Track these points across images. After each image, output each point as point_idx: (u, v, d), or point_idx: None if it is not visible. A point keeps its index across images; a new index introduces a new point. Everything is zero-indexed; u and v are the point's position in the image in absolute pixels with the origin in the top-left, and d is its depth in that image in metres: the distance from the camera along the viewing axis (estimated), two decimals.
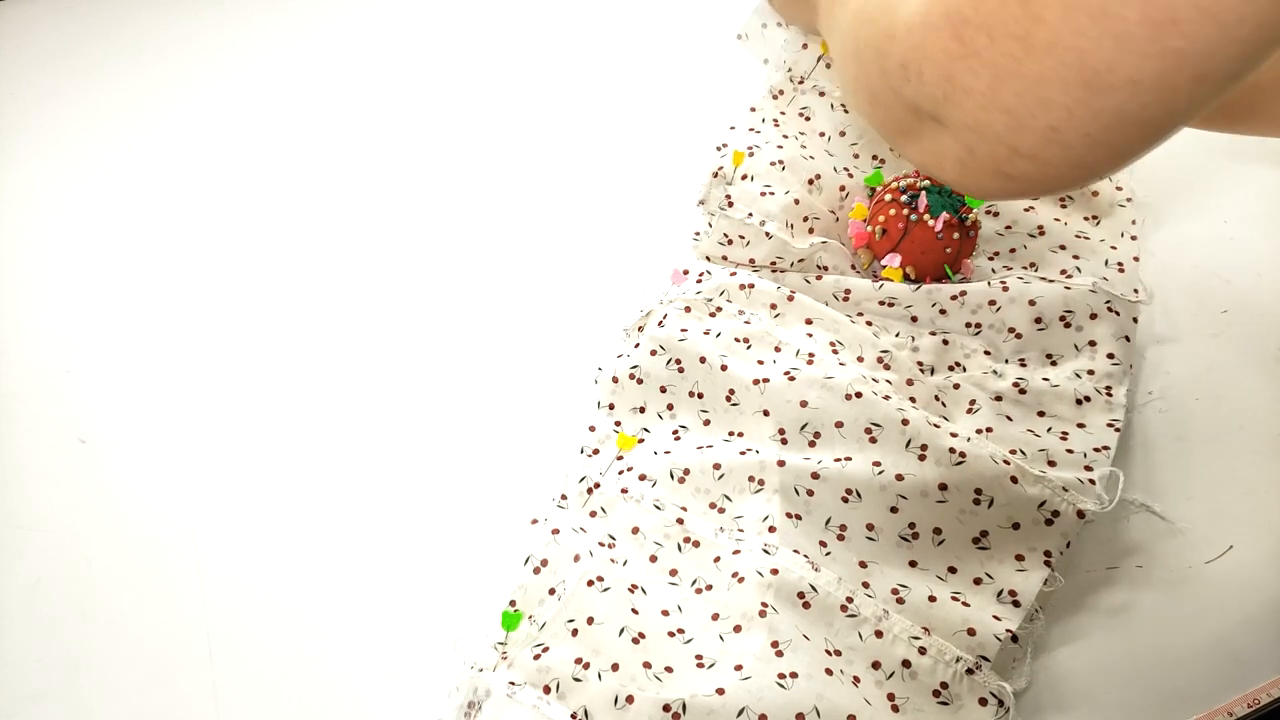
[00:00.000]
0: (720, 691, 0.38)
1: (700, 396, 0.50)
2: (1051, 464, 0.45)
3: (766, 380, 0.48)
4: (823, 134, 0.59)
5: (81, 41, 0.76)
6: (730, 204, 0.56)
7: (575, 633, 0.41)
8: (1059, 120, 0.28)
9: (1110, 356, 0.50)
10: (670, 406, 0.50)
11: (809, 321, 0.52)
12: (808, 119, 0.60)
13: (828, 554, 0.44)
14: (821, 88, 0.60)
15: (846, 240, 0.56)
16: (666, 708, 0.38)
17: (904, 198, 0.53)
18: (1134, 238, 0.55)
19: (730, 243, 0.56)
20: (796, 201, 0.55)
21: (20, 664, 0.46)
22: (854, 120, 0.60)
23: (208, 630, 0.47)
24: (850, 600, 0.41)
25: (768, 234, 0.54)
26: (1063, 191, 0.33)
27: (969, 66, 0.29)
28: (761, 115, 0.60)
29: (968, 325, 0.52)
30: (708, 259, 0.56)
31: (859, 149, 0.59)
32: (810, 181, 0.56)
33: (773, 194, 0.55)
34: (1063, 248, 0.54)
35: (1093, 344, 0.50)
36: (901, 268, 0.53)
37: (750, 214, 0.55)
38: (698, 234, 0.57)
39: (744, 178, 0.57)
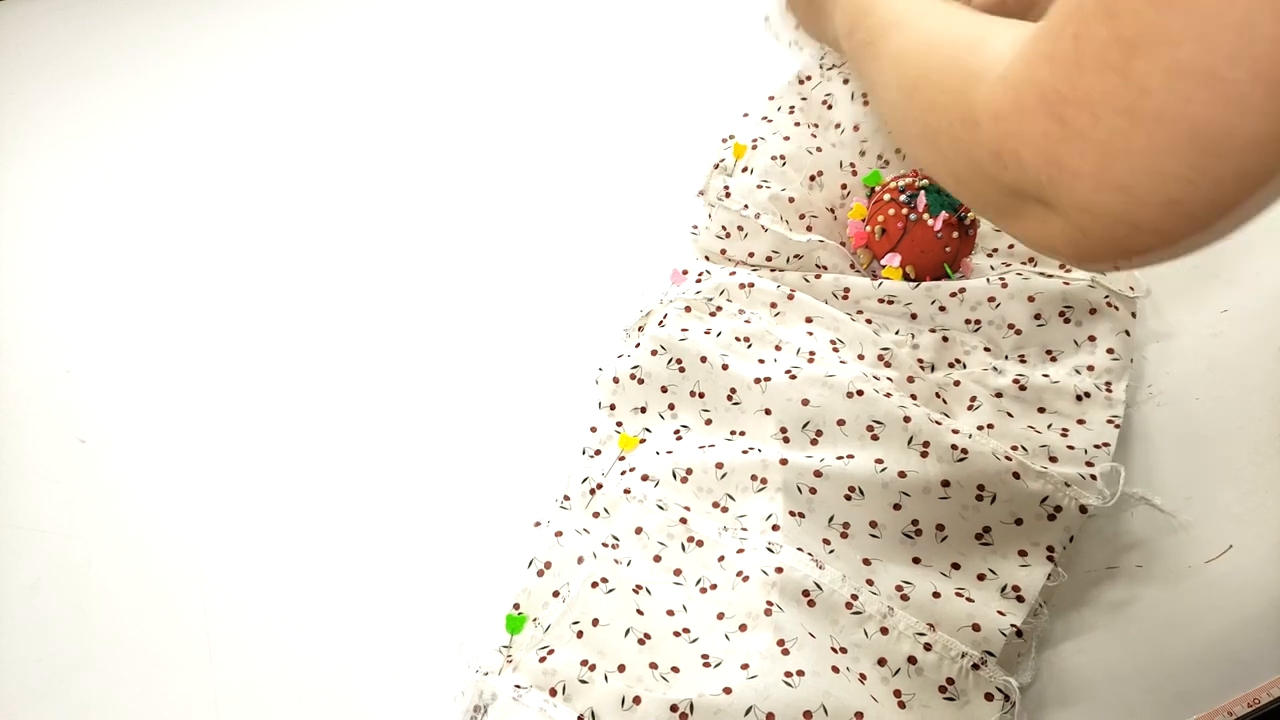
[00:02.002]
0: (727, 691, 0.38)
1: (701, 396, 0.50)
2: (1053, 460, 0.46)
3: (768, 379, 0.48)
4: (838, 125, 0.59)
5: (81, 41, 0.76)
6: (728, 194, 0.56)
7: (580, 634, 0.41)
8: (1180, 192, 0.27)
9: (1110, 352, 0.50)
10: (672, 406, 0.50)
11: (809, 320, 0.52)
12: (830, 107, 0.59)
13: (831, 552, 0.44)
14: (846, 74, 0.59)
15: (845, 239, 0.56)
16: (674, 708, 0.38)
17: (903, 197, 0.53)
18: None
19: (728, 235, 0.56)
20: (791, 200, 0.55)
21: (20, 664, 0.46)
22: (870, 117, 0.59)
23: (208, 630, 0.46)
24: (855, 597, 0.42)
25: (763, 227, 0.55)
26: (1188, 255, 0.31)
27: (1074, 148, 0.28)
28: (779, 103, 0.59)
29: (967, 322, 0.52)
30: (707, 258, 0.56)
31: (867, 146, 0.59)
32: (811, 178, 0.57)
33: (769, 188, 0.55)
34: None
35: (1092, 339, 0.50)
36: (901, 267, 0.53)
37: (746, 206, 0.55)
38: (696, 227, 0.57)
39: (744, 170, 0.57)
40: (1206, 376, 0.50)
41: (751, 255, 0.55)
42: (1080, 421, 0.47)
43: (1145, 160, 0.27)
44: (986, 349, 0.51)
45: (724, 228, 0.56)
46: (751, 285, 0.53)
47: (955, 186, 0.36)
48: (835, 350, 0.50)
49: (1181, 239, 0.29)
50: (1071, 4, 0.28)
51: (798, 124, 0.59)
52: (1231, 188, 0.27)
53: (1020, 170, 0.30)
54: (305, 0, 0.78)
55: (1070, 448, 0.46)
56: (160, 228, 0.64)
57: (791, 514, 0.44)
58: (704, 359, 0.50)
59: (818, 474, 0.45)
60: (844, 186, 0.57)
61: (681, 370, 0.50)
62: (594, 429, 0.50)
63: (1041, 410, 0.48)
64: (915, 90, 0.37)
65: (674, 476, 0.47)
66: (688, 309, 0.53)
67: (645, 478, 0.47)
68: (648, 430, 0.49)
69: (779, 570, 0.42)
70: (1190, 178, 0.26)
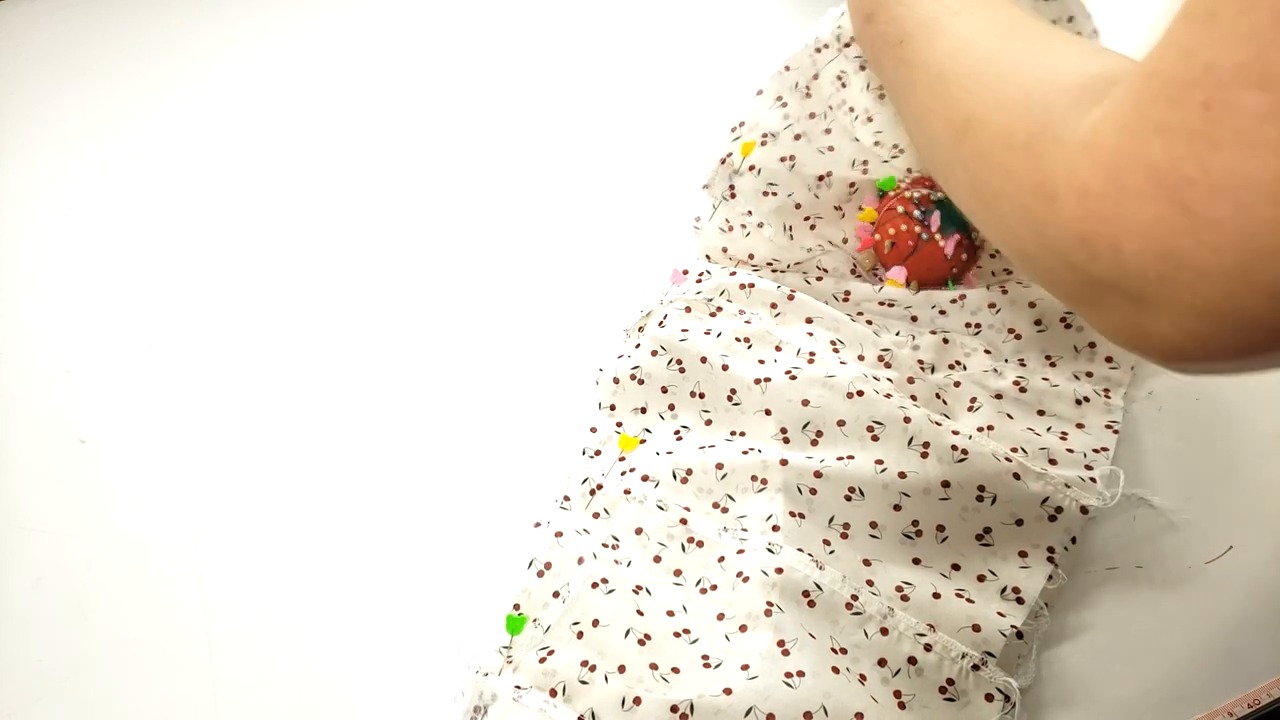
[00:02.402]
0: (728, 691, 0.38)
1: (702, 396, 0.50)
2: (1053, 462, 0.46)
3: (768, 379, 0.48)
4: (852, 109, 0.55)
5: (81, 41, 0.76)
6: (733, 195, 0.55)
7: (580, 635, 0.41)
8: None
9: (1109, 360, 0.50)
10: (672, 407, 0.50)
11: (809, 320, 0.52)
12: (844, 85, 0.56)
13: (831, 552, 0.44)
14: (864, 61, 0.55)
15: (852, 239, 0.55)
16: (674, 709, 0.38)
17: (916, 212, 0.52)
18: None
19: (731, 230, 0.55)
20: (798, 206, 0.55)
21: (20, 664, 0.46)
22: (884, 109, 0.55)
23: (208, 631, 0.46)
24: (855, 598, 0.42)
25: (767, 238, 0.54)
26: None
27: (1203, 241, 0.23)
28: (794, 78, 0.55)
29: (967, 325, 0.52)
30: (708, 257, 0.56)
31: (882, 138, 0.55)
32: (820, 179, 0.55)
33: (774, 195, 0.54)
34: None
35: (1092, 345, 0.50)
36: (905, 281, 0.53)
37: (750, 211, 0.55)
38: (698, 219, 0.56)
39: (751, 169, 0.55)
40: (1206, 376, 0.50)
41: (752, 257, 0.55)
42: (1079, 425, 0.47)
43: None
44: (987, 351, 0.51)
45: (727, 221, 0.55)
46: (752, 286, 0.53)
47: (1017, 258, 0.31)
48: (835, 351, 0.50)
49: None
50: (1192, 65, 0.23)
51: (812, 115, 0.55)
52: None
53: (1115, 261, 0.25)
54: (305, 0, 0.78)
55: (1070, 451, 0.46)
56: (160, 228, 0.64)
57: (792, 514, 0.44)
58: (704, 359, 0.50)
59: (818, 474, 0.45)
60: (852, 185, 0.55)
61: (682, 371, 0.50)
62: (594, 429, 0.50)
63: (1041, 413, 0.48)
64: (965, 132, 0.31)
65: (674, 477, 0.47)
66: (688, 309, 0.53)
67: (645, 478, 0.47)
68: (648, 431, 0.49)
69: (779, 571, 0.42)
70: None
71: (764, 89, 0.56)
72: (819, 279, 0.54)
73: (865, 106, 0.55)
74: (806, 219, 0.55)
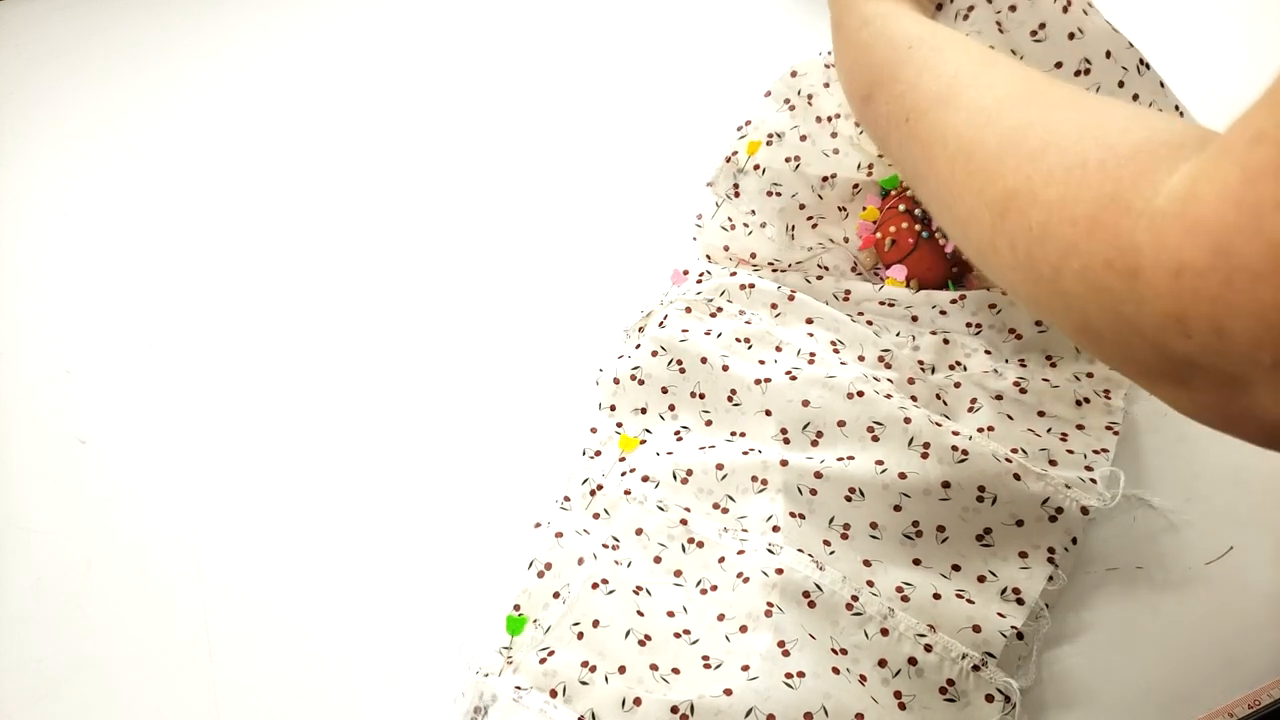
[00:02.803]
0: (728, 692, 0.38)
1: (702, 397, 0.50)
2: (1053, 463, 0.46)
3: (768, 380, 0.48)
4: (858, 123, 0.55)
5: (81, 41, 0.76)
6: (737, 194, 0.55)
7: (581, 636, 0.41)
8: None
9: None
10: (672, 407, 0.50)
11: (809, 321, 0.52)
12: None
13: (832, 553, 0.44)
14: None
15: (854, 238, 0.55)
16: (674, 709, 0.38)
17: (918, 211, 0.52)
18: None
19: (733, 228, 0.55)
20: (801, 206, 0.55)
21: (20, 664, 0.46)
22: None
23: (208, 630, 0.46)
24: (855, 599, 0.42)
25: (769, 238, 0.54)
26: None
27: None
28: (801, 85, 0.56)
29: (968, 325, 0.52)
30: (709, 257, 0.56)
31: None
32: (824, 180, 0.55)
33: (778, 195, 0.55)
34: None
35: None
36: (905, 280, 0.53)
37: (753, 211, 0.55)
38: (700, 216, 0.56)
39: (756, 168, 0.55)
40: None
41: (754, 256, 0.55)
42: (1080, 426, 0.47)
43: None
44: (987, 352, 0.51)
45: (730, 219, 0.55)
46: (752, 286, 0.53)
47: (1083, 336, 0.28)
48: (836, 351, 0.50)
49: None
50: None
51: (818, 119, 0.56)
52: None
53: (1220, 343, 0.23)
54: (305, 0, 0.78)
55: (1070, 452, 0.46)
56: (160, 228, 0.64)
57: (792, 515, 0.44)
58: (704, 360, 0.50)
59: (818, 475, 0.45)
60: (855, 186, 0.55)
61: (682, 371, 0.50)
62: (594, 430, 0.50)
63: (1041, 414, 0.48)
64: (1008, 209, 0.28)
65: (674, 477, 0.47)
66: (688, 310, 0.53)
67: (645, 479, 0.47)
68: (648, 431, 0.49)
69: (779, 571, 0.42)
70: None
71: (772, 90, 0.56)
72: (819, 278, 0.54)
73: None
74: (809, 219, 0.55)
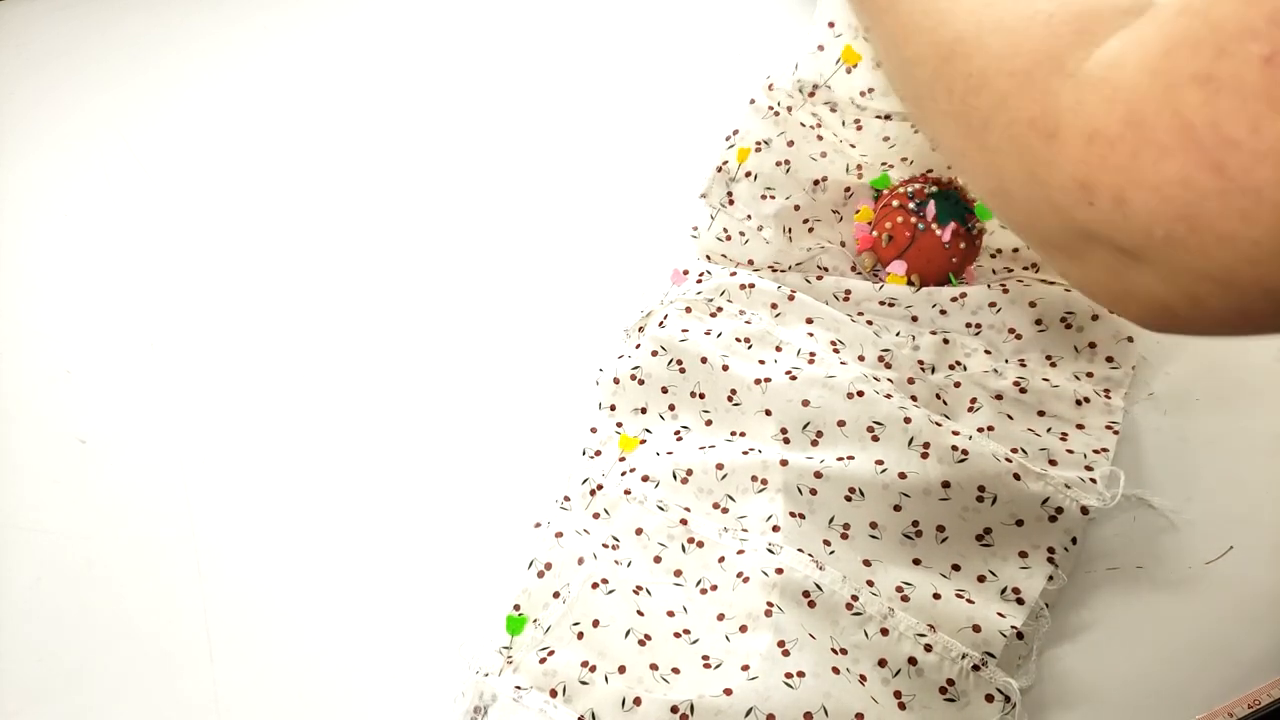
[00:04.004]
0: (728, 692, 0.38)
1: (702, 397, 0.50)
2: (1053, 463, 0.46)
3: (768, 380, 0.48)
4: (836, 135, 0.56)
5: (81, 41, 0.76)
6: (731, 202, 0.55)
7: (581, 635, 0.41)
8: None
9: (1109, 360, 0.50)
10: (672, 407, 0.50)
11: (810, 321, 0.52)
12: (821, 124, 0.56)
13: (832, 553, 0.44)
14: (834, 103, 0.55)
15: (850, 241, 0.56)
16: (674, 709, 0.38)
17: (911, 204, 0.52)
18: None
19: (729, 239, 0.55)
20: (796, 207, 0.55)
21: (20, 664, 0.46)
22: (866, 136, 0.56)
23: (208, 630, 0.46)
24: (855, 598, 0.42)
25: (765, 240, 0.54)
26: None
27: (1236, 207, 0.21)
28: (777, 96, 0.55)
29: (968, 325, 0.52)
30: (708, 258, 0.56)
31: (866, 160, 0.56)
32: (816, 183, 0.55)
33: (773, 198, 0.54)
34: None
35: (1093, 346, 0.50)
36: (905, 275, 0.53)
37: (749, 216, 0.55)
38: (696, 228, 0.57)
39: (747, 175, 0.55)
40: (1206, 377, 0.50)
41: (752, 261, 0.55)
42: (1080, 426, 0.47)
43: None
44: (987, 352, 0.51)
45: (725, 230, 0.56)
46: (752, 286, 0.53)
47: (996, 196, 0.28)
48: (836, 351, 0.50)
49: None
50: (1253, 12, 0.21)
51: (803, 124, 0.56)
52: None
53: (1118, 214, 0.23)
54: (305, 0, 0.78)
55: (1070, 451, 0.46)
56: (160, 228, 0.64)
57: (792, 515, 0.44)
58: (704, 360, 0.50)
59: (818, 475, 0.45)
60: (847, 189, 0.56)
61: (682, 371, 0.50)
62: (594, 430, 0.50)
63: (1041, 414, 0.48)
64: (953, 53, 0.29)
65: (674, 477, 0.47)
66: (688, 310, 0.53)
67: (645, 478, 0.47)
68: (648, 431, 0.49)
69: (779, 571, 0.42)
70: None
71: (755, 99, 0.56)
72: (819, 278, 0.54)
73: (847, 137, 0.55)
74: (805, 221, 0.55)
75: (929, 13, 0.30)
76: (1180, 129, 0.22)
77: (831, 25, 0.52)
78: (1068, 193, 0.25)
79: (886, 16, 0.33)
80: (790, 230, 0.55)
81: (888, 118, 0.53)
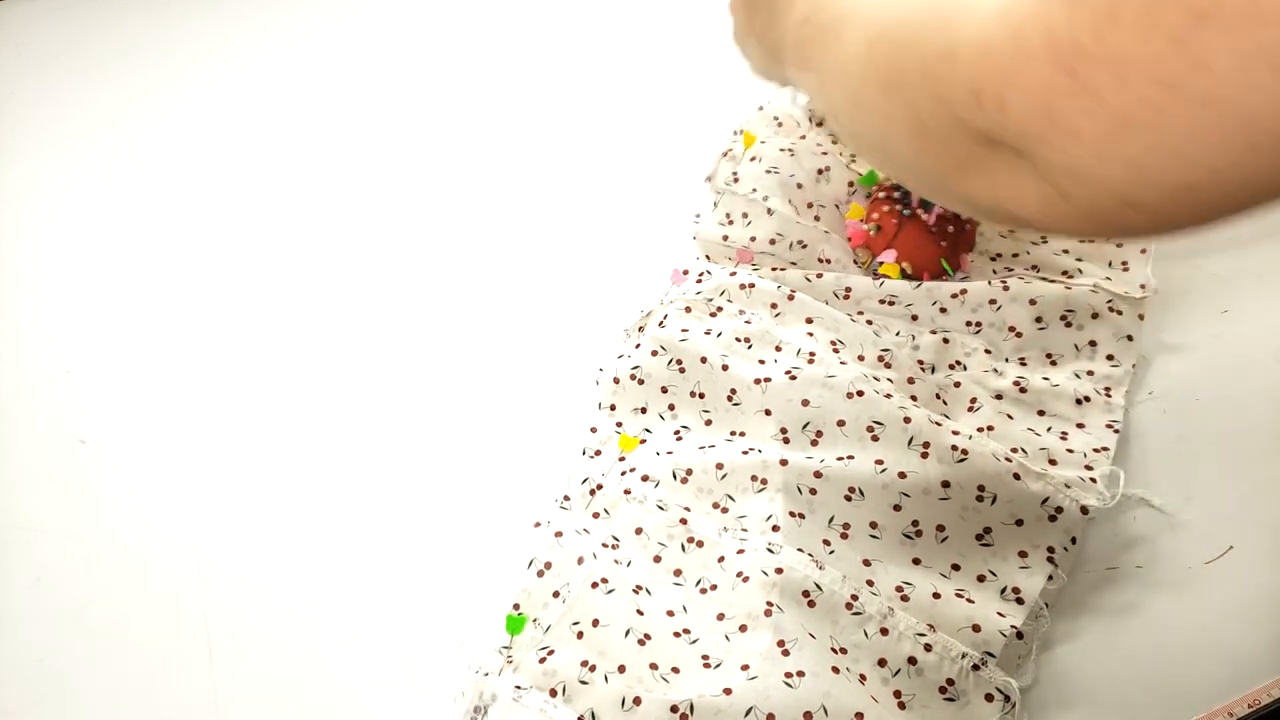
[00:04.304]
0: (727, 691, 0.38)
1: (702, 396, 0.50)
2: (1053, 462, 0.46)
3: (768, 379, 0.48)
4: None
5: (81, 41, 0.76)
6: (736, 180, 0.57)
7: (580, 635, 0.41)
8: (1199, 180, 0.24)
9: (1110, 358, 0.50)
10: (672, 407, 0.50)
11: (809, 321, 0.52)
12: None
13: (831, 552, 0.44)
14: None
15: (845, 237, 0.56)
16: (674, 709, 0.38)
17: (896, 194, 0.53)
18: None
19: (731, 223, 0.56)
20: (800, 185, 0.56)
21: (20, 664, 0.46)
22: None
23: (208, 630, 0.46)
24: (855, 598, 0.42)
25: (769, 210, 0.55)
26: (1166, 239, 0.29)
27: (1080, 105, 0.25)
28: (774, 112, 0.60)
29: (968, 324, 0.52)
30: (708, 257, 0.57)
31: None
32: (819, 172, 0.57)
33: (778, 173, 0.56)
34: (1065, 251, 0.54)
35: (1093, 344, 0.50)
36: (898, 263, 0.53)
37: (754, 189, 0.56)
38: (698, 216, 0.57)
39: (752, 159, 0.57)
40: (1206, 377, 0.50)
41: (754, 240, 0.55)
42: (1080, 425, 0.47)
43: (1173, 140, 0.24)
44: (987, 351, 0.51)
45: (728, 215, 0.56)
46: (752, 285, 0.53)
47: (914, 142, 0.32)
48: (835, 351, 0.50)
49: (1173, 224, 0.26)
50: None
51: (803, 137, 0.59)
52: (1256, 187, 0.24)
53: (1000, 115, 0.27)
54: (305, 0, 0.78)
55: (1070, 451, 0.46)
56: (160, 228, 0.64)
57: (792, 514, 0.44)
58: (704, 359, 0.50)
59: (818, 475, 0.45)
60: (850, 184, 0.57)
61: (682, 371, 0.50)
62: (594, 429, 0.50)
63: (1041, 413, 0.48)
64: (880, 38, 0.33)
65: (674, 477, 0.47)
66: (688, 309, 0.53)
67: (645, 478, 0.47)
68: (648, 431, 0.49)
69: (779, 571, 0.42)
70: (1220, 169, 0.24)
71: (763, 105, 0.59)
72: (819, 275, 0.54)
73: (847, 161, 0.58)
74: (809, 205, 0.56)
75: (865, 21, 0.35)
76: (1046, 38, 0.25)
77: None
78: (964, 102, 0.28)
79: (830, 41, 0.38)
80: (795, 205, 0.55)
81: None
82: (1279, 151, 0.23)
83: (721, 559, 0.43)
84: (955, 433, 0.45)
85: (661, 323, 0.52)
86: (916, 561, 0.44)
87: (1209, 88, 0.23)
